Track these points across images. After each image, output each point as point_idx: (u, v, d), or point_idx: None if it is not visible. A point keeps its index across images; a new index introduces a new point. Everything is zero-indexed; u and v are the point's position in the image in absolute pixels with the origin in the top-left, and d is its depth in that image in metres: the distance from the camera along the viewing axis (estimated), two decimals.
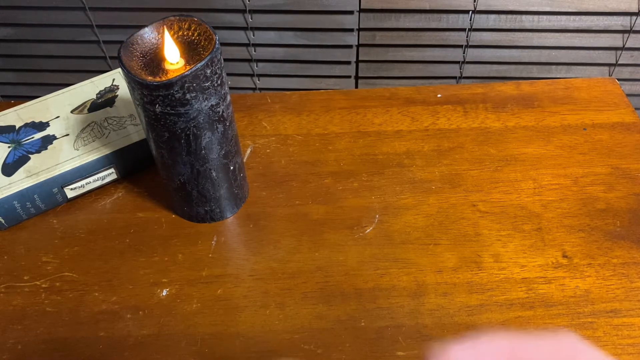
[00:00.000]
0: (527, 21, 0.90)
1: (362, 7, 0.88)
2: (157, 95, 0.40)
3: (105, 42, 0.96)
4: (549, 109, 0.61)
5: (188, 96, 0.41)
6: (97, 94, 0.58)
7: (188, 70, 0.40)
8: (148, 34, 0.43)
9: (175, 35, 0.43)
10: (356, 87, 1.01)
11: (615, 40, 0.92)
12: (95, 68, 1.00)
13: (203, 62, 0.40)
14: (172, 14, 0.44)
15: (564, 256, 0.48)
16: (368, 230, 0.50)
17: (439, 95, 0.63)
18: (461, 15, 0.89)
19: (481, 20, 0.90)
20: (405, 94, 0.63)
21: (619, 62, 0.94)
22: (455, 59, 0.96)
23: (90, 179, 0.53)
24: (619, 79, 0.66)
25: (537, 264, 0.48)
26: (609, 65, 0.95)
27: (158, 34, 0.43)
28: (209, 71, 0.41)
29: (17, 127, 0.55)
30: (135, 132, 0.54)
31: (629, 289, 0.46)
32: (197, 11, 0.91)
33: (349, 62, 0.97)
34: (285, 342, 0.44)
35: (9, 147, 0.54)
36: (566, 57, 0.95)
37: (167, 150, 0.45)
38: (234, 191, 0.51)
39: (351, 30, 0.92)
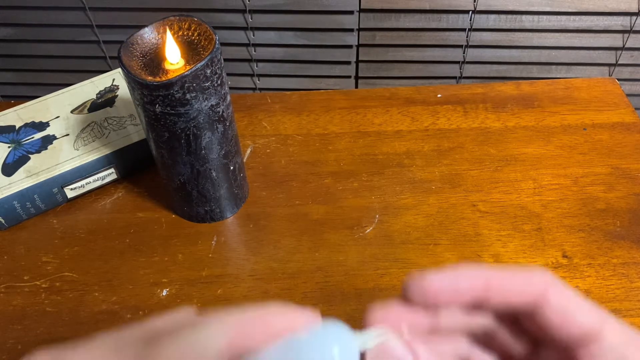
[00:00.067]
0: (527, 21, 0.89)
1: (362, 7, 0.88)
2: (157, 95, 0.40)
3: (105, 42, 0.96)
4: (549, 109, 0.61)
5: (188, 96, 0.41)
6: (97, 94, 0.58)
7: (188, 70, 0.40)
8: (148, 34, 0.43)
9: (175, 35, 0.43)
10: (356, 87, 1.01)
11: (615, 40, 0.92)
12: (95, 68, 1.00)
13: (203, 62, 0.40)
14: (172, 14, 0.44)
15: (564, 256, 0.48)
16: (368, 230, 0.50)
17: (439, 95, 0.63)
18: (461, 15, 0.89)
19: (481, 20, 0.90)
20: (405, 94, 0.63)
21: (619, 62, 0.94)
22: (455, 59, 0.96)
23: (90, 179, 0.53)
24: (619, 79, 0.66)
25: (537, 264, 0.48)
26: (609, 65, 0.95)
27: (158, 34, 0.43)
28: (209, 71, 0.41)
29: (17, 127, 0.55)
30: (135, 132, 0.54)
31: (629, 289, 0.46)
32: (197, 11, 0.91)
33: (349, 62, 0.97)
34: None
35: (9, 147, 0.54)
36: (566, 57, 0.95)
37: (167, 150, 0.45)
38: (234, 191, 0.51)
39: (351, 30, 0.92)
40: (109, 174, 0.54)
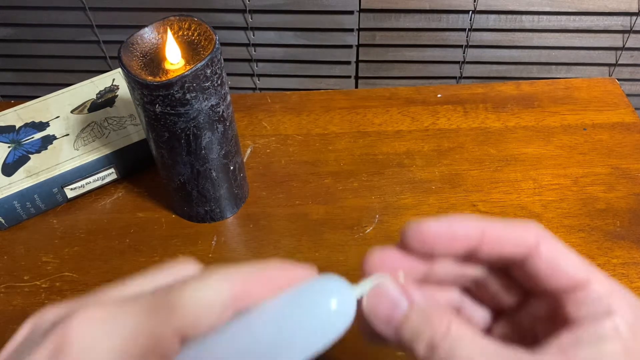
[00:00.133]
0: (527, 21, 0.90)
1: (362, 7, 0.88)
2: (157, 95, 0.40)
3: (105, 42, 0.96)
4: (549, 109, 0.61)
5: (188, 96, 0.41)
6: (97, 94, 0.58)
7: (188, 70, 0.40)
8: (148, 34, 0.43)
9: (175, 35, 0.43)
10: (356, 87, 1.01)
11: (615, 40, 0.92)
12: (95, 68, 1.00)
13: (203, 62, 0.40)
14: (172, 14, 0.44)
15: None
16: (368, 230, 0.50)
17: (439, 95, 0.63)
18: (461, 15, 0.89)
19: (481, 20, 0.90)
20: (405, 94, 0.63)
21: (619, 62, 0.94)
22: (455, 59, 0.96)
23: (90, 179, 0.53)
24: (619, 79, 0.66)
25: None
26: (609, 65, 0.95)
27: (158, 34, 0.43)
28: (209, 71, 0.41)
29: (17, 127, 0.55)
30: (135, 132, 0.54)
31: (629, 289, 0.46)
32: (197, 11, 0.91)
33: (349, 62, 0.97)
34: None
35: (9, 147, 0.54)
36: (566, 57, 0.95)
37: (167, 150, 0.45)
38: (234, 191, 0.51)
39: (351, 30, 0.92)
40: (109, 174, 0.54)
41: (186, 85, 0.40)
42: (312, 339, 0.22)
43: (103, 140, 0.54)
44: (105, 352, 0.19)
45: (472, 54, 0.94)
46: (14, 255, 0.50)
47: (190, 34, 0.44)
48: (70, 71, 1.01)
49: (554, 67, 0.97)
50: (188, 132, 0.43)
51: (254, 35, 0.94)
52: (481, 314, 0.27)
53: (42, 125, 0.55)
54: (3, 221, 0.51)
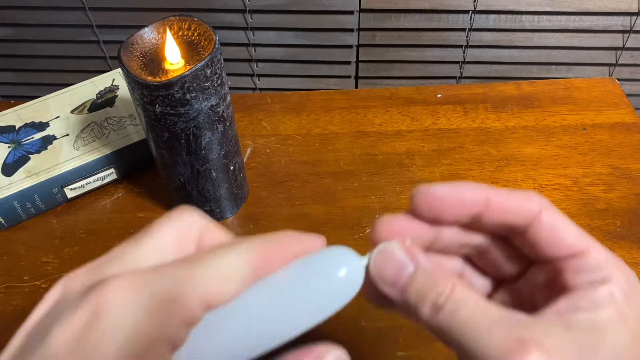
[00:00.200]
0: (527, 21, 0.89)
1: (362, 7, 0.88)
2: (157, 95, 0.40)
3: (105, 42, 0.96)
4: (549, 109, 0.61)
5: (188, 96, 0.41)
6: (97, 94, 0.58)
7: (188, 70, 0.40)
8: (148, 34, 0.43)
9: (175, 35, 0.43)
10: (356, 87, 1.01)
11: (615, 40, 0.92)
12: (95, 68, 1.00)
13: (203, 62, 0.40)
14: (172, 14, 0.44)
15: None
16: (368, 230, 0.50)
17: (439, 95, 0.63)
18: (461, 15, 0.89)
19: (481, 20, 0.90)
20: (405, 94, 0.63)
21: (619, 62, 0.94)
22: (455, 59, 0.96)
23: (90, 179, 0.53)
24: (619, 79, 0.66)
25: None
26: (609, 65, 0.95)
27: (158, 34, 0.43)
28: (209, 71, 0.41)
29: (17, 127, 0.55)
30: (135, 132, 0.54)
31: None
32: (197, 11, 0.91)
33: (349, 62, 0.97)
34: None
35: (9, 147, 0.54)
36: (566, 57, 0.95)
37: (167, 150, 0.45)
38: (234, 191, 0.51)
39: (351, 30, 0.92)
40: (108, 174, 0.54)
41: (186, 85, 0.40)
42: (322, 305, 0.23)
43: (103, 140, 0.54)
44: (139, 317, 0.20)
45: (472, 54, 0.94)
46: (14, 255, 0.50)
47: (190, 34, 0.44)
48: (70, 71, 1.01)
49: (554, 67, 0.97)
50: (188, 132, 0.43)
51: (254, 35, 0.94)
52: (482, 283, 0.29)
53: (42, 126, 0.55)
54: (3, 221, 0.51)
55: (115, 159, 0.53)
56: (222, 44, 0.43)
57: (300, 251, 0.23)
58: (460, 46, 0.94)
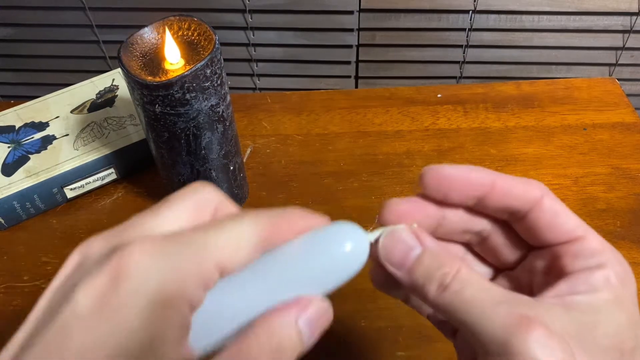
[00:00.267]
0: (527, 21, 0.90)
1: (362, 7, 0.88)
2: (157, 95, 0.40)
3: (105, 42, 0.96)
4: (549, 109, 0.61)
5: (188, 96, 0.41)
6: (97, 94, 0.58)
7: (188, 70, 0.40)
8: (148, 34, 0.43)
9: (175, 35, 0.43)
10: (356, 87, 1.01)
11: (615, 40, 0.92)
12: (95, 68, 1.00)
13: (203, 62, 0.40)
14: (172, 14, 0.44)
15: None
16: (368, 231, 0.50)
17: (439, 95, 0.63)
18: (461, 15, 0.89)
19: (481, 20, 0.90)
20: (405, 94, 0.63)
21: (619, 62, 0.94)
22: (455, 59, 0.96)
23: (90, 179, 0.53)
24: (619, 79, 0.66)
25: None
26: (609, 65, 0.95)
27: (158, 34, 0.43)
28: (208, 71, 0.41)
29: (16, 127, 0.55)
30: (135, 132, 0.54)
31: None
32: (197, 11, 0.91)
33: (349, 62, 0.97)
34: None
35: (8, 147, 0.54)
36: (566, 57, 0.95)
37: (167, 150, 0.45)
38: (234, 191, 0.51)
39: (351, 30, 0.92)
40: (108, 174, 0.54)
41: (186, 85, 0.40)
42: (328, 277, 0.24)
43: (103, 140, 0.54)
44: (160, 279, 0.20)
45: (472, 53, 0.94)
46: (14, 255, 0.50)
47: (190, 34, 0.44)
48: (70, 71, 1.01)
49: (554, 67, 0.97)
50: (188, 132, 0.43)
51: (254, 35, 0.94)
52: (482, 270, 0.30)
53: (42, 125, 0.55)
54: (3, 221, 0.51)
55: (115, 159, 0.53)
56: (222, 44, 0.43)
57: (308, 226, 0.24)
58: (460, 46, 0.94)
